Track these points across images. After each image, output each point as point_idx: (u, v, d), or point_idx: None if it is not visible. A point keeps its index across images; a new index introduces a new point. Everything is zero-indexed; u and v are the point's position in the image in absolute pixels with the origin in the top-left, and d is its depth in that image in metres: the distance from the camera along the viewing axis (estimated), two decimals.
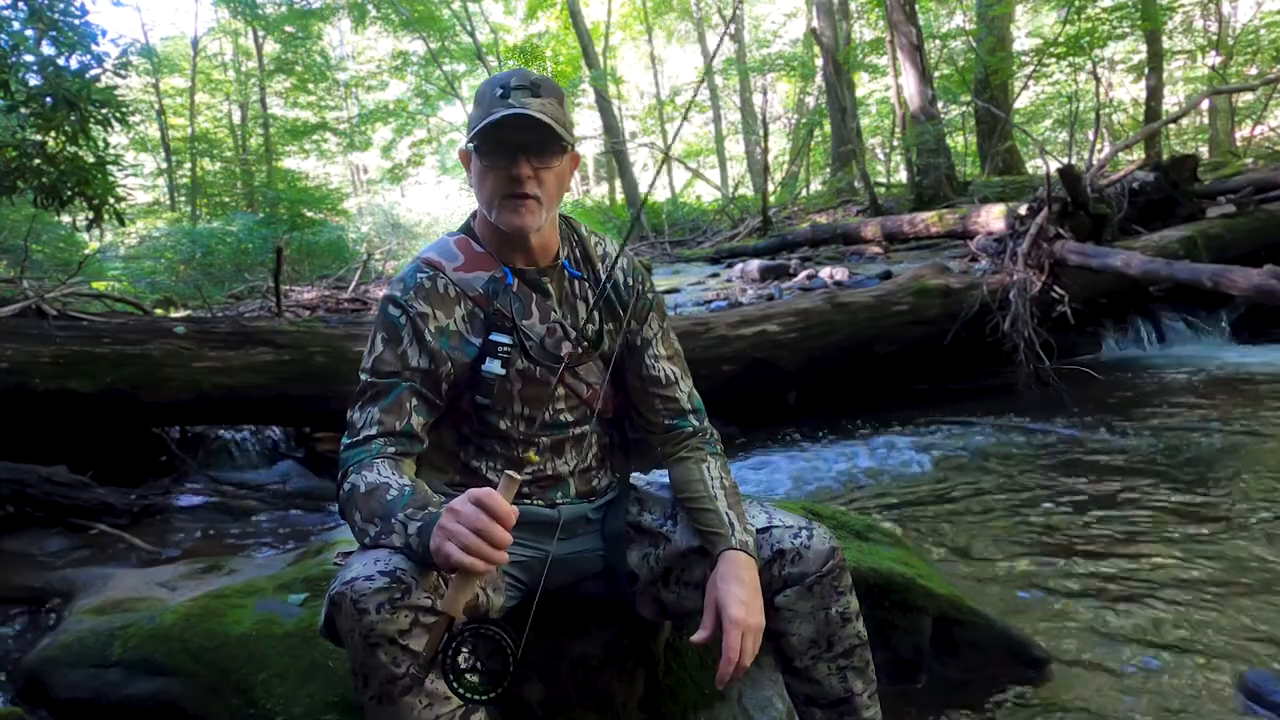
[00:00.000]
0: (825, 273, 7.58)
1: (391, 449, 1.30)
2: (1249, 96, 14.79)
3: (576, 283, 1.49)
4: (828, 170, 18.32)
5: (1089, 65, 12.65)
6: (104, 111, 4.27)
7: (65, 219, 6.19)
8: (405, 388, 1.34)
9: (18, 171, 4.21)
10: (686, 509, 1.44)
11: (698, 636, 1.30)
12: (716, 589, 1.30)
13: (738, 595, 1.28)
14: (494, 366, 1.39)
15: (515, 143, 1.33)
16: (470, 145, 1.37)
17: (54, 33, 4.25)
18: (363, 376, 1.37)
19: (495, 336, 1.40)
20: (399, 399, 1.33)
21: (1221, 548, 2.58)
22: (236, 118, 21.15)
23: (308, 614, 1.65)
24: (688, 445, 1.50)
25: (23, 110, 4.18)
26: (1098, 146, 7.90)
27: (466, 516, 1.05)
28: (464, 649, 1.08)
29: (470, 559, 1.03)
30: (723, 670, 1.26)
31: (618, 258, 1.47)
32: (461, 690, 1.07)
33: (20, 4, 4.29)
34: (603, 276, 1.51)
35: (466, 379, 1.41)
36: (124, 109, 4.42)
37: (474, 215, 1.48)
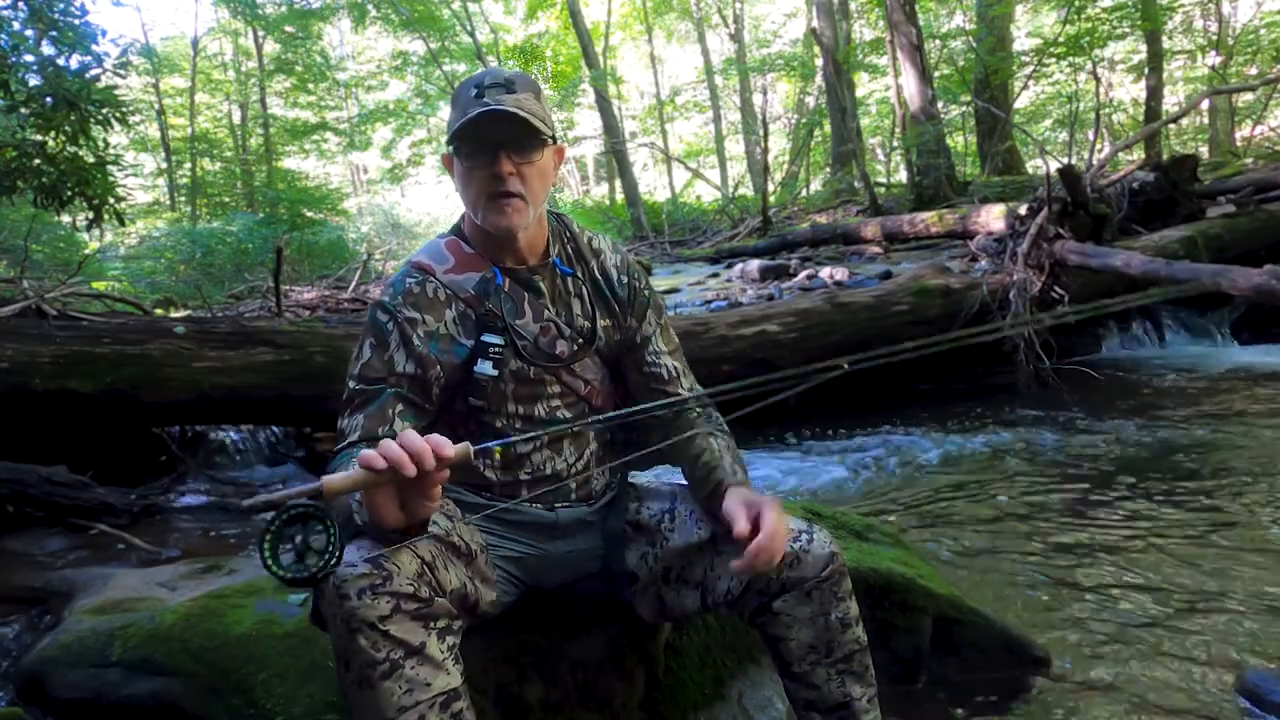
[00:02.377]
0: (825, 273, 7.58)
1: None
2: (1249, 96, 14.78)
3: (569, 280, 1.49)
4: (828, 170, 18.31)
5: (1089, 65, 12.64)
6: (104, 111, 4.26)
7: (65, 219, 6.18)
8: (391, 394, 1.34)
9: (18, 171, 4.20)
10: (692, 474, 1.44)
11: (739, 529, 1.25)
12: (745, 495, 1.32)
13: (769, 500, 1.30)
14: (486, 368, 1.39)
15: (494, 139, 1.33)
16: (450, 147, 1.37)
17: (54, 33, 4.24)
18: (350, 384, 1.37)
19: (487, 337, 1.40)
20: (383, 405, 1.33)
21: (1222, 547, 2.58)
22: (236, 118, 21.13)
23: (307, 614, 1.65)
24: (693, 426, 1.50)
25: (23, 110, 4.17)
26: (1098, 146, 7.91)
27: (400, 436, 1.04)
28: (302, 523, 1.02)
29: (373, 453, 1.00)
30: (749, 560, 1.23)
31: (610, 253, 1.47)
32: (268, 553, 1.01)
33: (20, 4, 4.28)
34: (596, 272, 1.51)
35: (459, 381, 1.41)
36: (124, 109, 4.41)
37: (464, 217, 1.48)
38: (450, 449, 1.04)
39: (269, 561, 1.01)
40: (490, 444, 1.13)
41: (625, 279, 1.52)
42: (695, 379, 1.57)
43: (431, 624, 1.16)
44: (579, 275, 1.50)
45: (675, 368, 1.53)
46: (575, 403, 1.48)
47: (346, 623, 1.11)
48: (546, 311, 1.45)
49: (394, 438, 1.30)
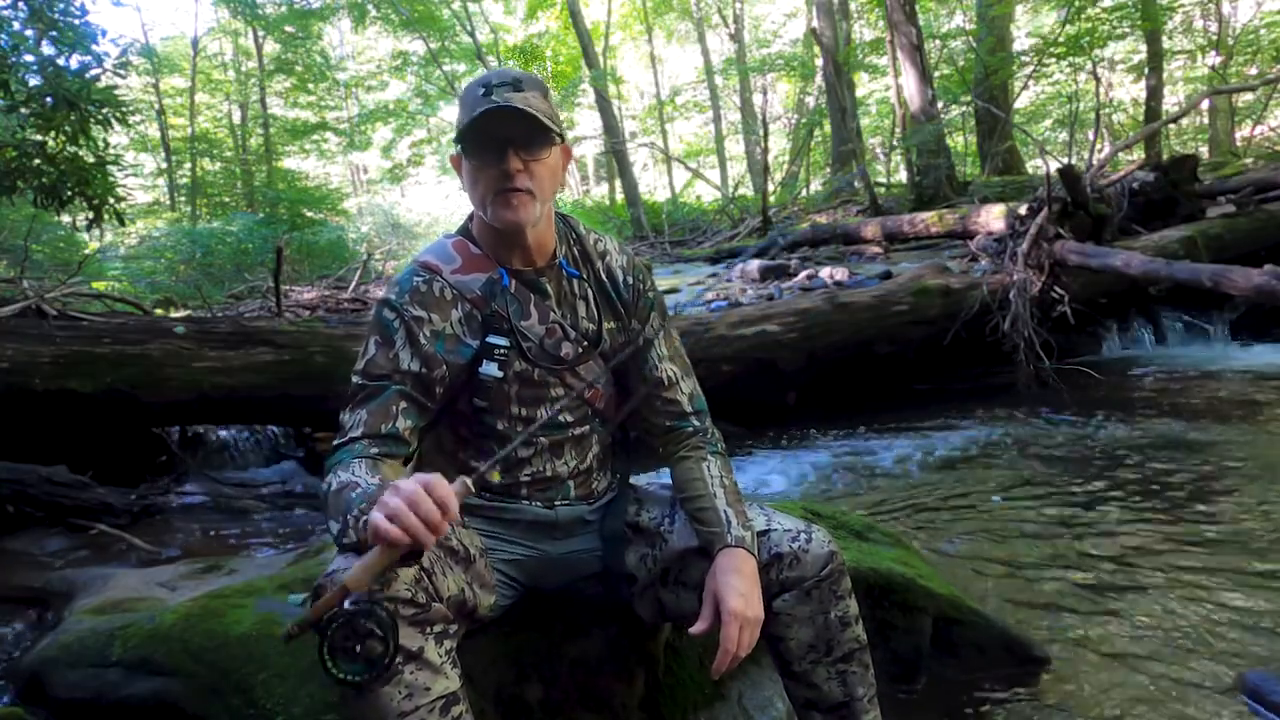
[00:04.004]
0: (825, 273, 7.57)
1: (374, 450, 1.29)
2: (1249, 96, 14.78)
3: (575, 282, 1.48)
4: (828, 170, 18.30)
5: (1089, 65, 12.64)
6: (104, 111, 4.25)
7: (65, 219, 6.18)
8: (394, 390, 1.34)
9: (18, 171, 4.19)
10: (686, 508, 1.44)
11: (696, 628, 1.31)
12: (715, 581, 1.31)
13: (735, 587, 1.29)
14: (490, 369, 1.39)
15: (502, 136, 1.33)
16: (458, 148, 1.37)
17: (54, 33, 4.23)
18: (354, 379, 1.37)
19: (492, 339, 1.40)
20: (387, 401, 1.33)
21: (1221, 547, 2.58)
22: (236, 118, 21.12)
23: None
24: (688, 445, 1.50)
25: (23, 110, 4.16)
26: (1098, 146, 7.90)
27: (405, 491, 1.03)
28: (353, 624, 1.04)
29: (392, 528, 1.00)
30: (719, 661, 1.28)
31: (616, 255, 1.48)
32: (332, 667, 1.04)
33: (20, 4, 4.28)
34: (602, 273, 1.51)
35: (463, 381, 1.41)
36: (124, 109, 4.41)
37: (471, 217, 1.48)
38: (454, 500, 1.05)
39: (336, 674, 1.04)
40: (483, 468, 1.20)
41: (630, 280, 1.52)
42: (696, 380, 1.57)
43: (429, 629, 1.16)
44: (585, 277, 1.49)
45: (675, 373, 1.53)
46: (577, 406, 1.48)
47: None
48: (552, 313, 1.45)
49: (395, 435, 1.32)
